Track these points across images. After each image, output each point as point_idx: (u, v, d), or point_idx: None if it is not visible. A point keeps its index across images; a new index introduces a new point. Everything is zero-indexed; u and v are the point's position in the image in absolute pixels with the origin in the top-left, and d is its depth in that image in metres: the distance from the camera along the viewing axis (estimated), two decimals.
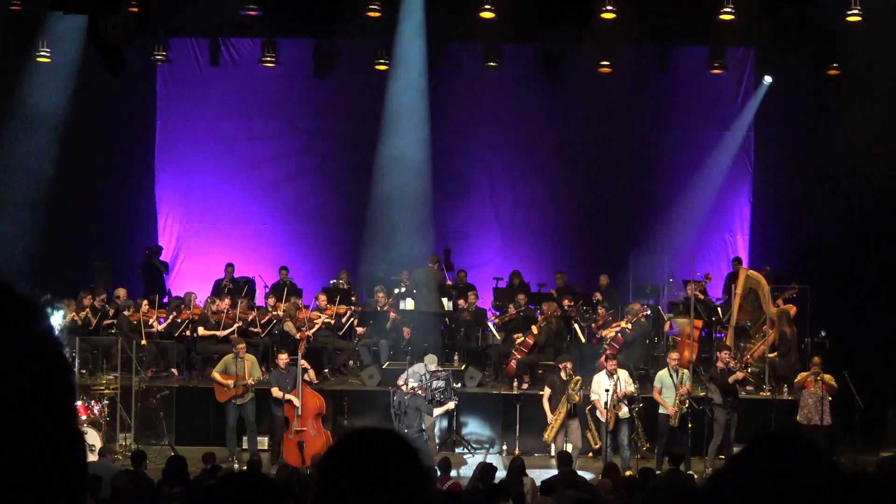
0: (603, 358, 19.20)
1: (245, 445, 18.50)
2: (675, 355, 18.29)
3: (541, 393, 18.34)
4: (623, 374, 17.80)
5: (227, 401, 18.28)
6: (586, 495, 12.36)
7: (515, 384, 19.74)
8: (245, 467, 15.02)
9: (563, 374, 17.67)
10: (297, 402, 17.62)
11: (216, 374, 18.39)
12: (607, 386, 17.55)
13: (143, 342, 20.00)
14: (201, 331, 20.29)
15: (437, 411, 17.88)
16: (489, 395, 19.72)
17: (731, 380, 17.52)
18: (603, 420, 17.56)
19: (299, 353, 18.46)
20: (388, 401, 18.45)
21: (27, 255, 21.37)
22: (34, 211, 22.20)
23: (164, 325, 20.60)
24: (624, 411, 17.56)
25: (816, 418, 17.57)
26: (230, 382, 18.19)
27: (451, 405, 18.19)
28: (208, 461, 14.25)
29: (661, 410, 17.71)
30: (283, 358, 18.08)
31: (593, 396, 17.71)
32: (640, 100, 24.67)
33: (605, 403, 17.46)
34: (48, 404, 1.56)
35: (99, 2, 14.36)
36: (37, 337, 1.61)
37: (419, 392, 17.80)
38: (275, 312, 20.88)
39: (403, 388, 17.85)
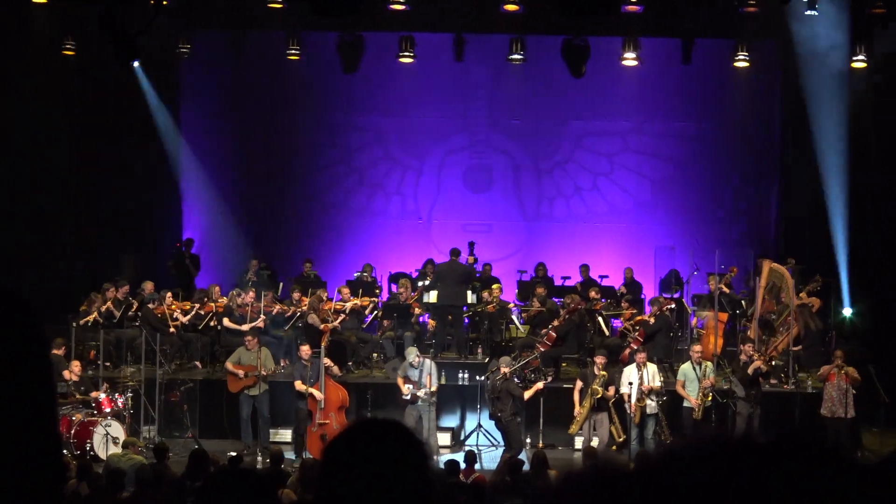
0: (626, 352, 19.15)
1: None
2: (697, 348, 18.24)
3: (565, 386, 18.29)
4: (652, 367, 17.76)
5: (240, 391, 18.37)
6: None
7: None
8: (268, 461, 15.02)
9: (595, 369, 17.66)
10: (318, 395, 17.65)
11: (229, 365, 18.51)
12: (635, 379, 17.51)
13: (171, 331, 20.08)
14: (226, 322, 20.33)
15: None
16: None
17: (750, 370, 17.42)
18: (630, 413, 17.53)
19: (322, 346, 18.47)
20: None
21: (54, 252, 21.47)
22: (60, 206, 22.30)
23: (188, 317, 20.67)
24: (651, 406, 17.51)
25: (840, 411, 17.49)
26: (241, 372, 18.28)
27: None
28: (232, 462, 14.23)
29: (685, 404, 17.67)
30: (305, 350, 18.12)
31: (623, 389, 17.67)
32: (665, 92, 24.60)
33: (630, 397, 17.44)
34: (29, 404, 1.55)
35: None
36: (24, 336, 1.60)
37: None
38: (299, 307, 20.84)
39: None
